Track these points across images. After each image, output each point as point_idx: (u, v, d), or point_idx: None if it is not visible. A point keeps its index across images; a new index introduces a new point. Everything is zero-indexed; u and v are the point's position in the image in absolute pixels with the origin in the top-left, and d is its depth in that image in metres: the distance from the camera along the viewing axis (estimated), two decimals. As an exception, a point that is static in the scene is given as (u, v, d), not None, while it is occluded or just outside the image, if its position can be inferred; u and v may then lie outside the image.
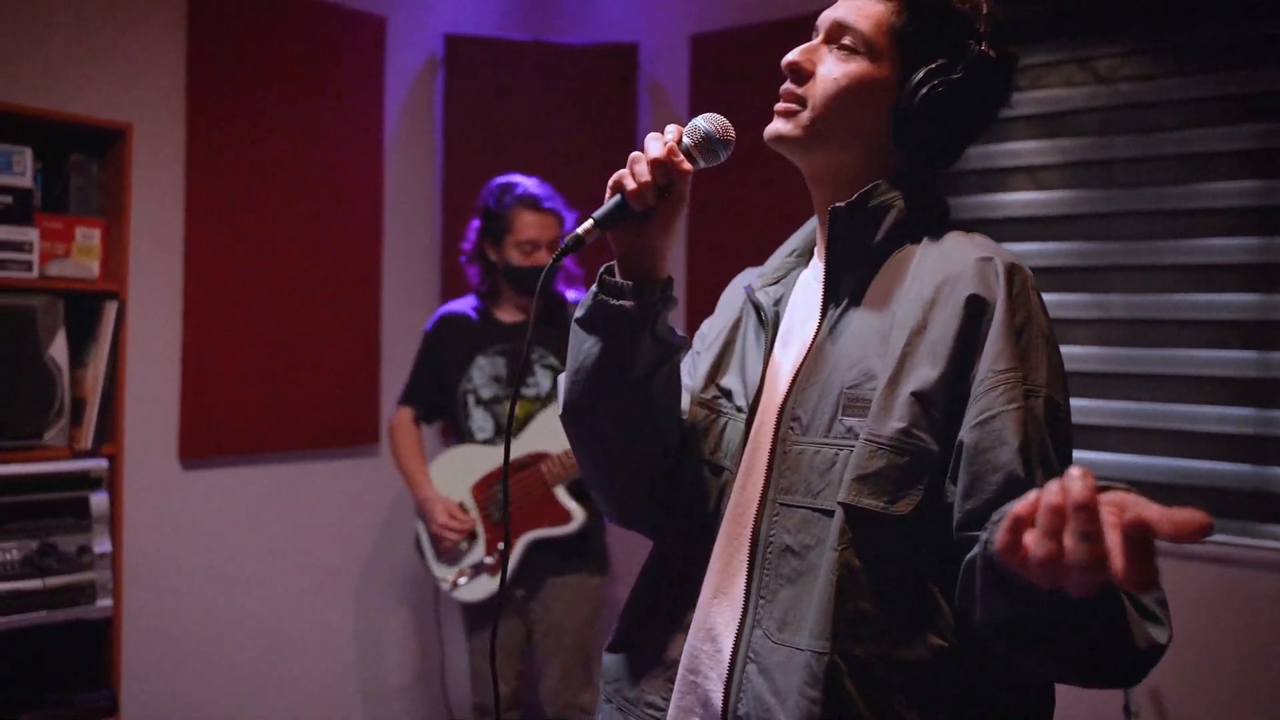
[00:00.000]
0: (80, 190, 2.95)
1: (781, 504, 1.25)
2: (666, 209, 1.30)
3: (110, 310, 2.87)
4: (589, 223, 1.28)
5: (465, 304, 3.27)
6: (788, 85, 1.32)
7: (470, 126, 4.03)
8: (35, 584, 2.66)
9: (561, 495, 3.08)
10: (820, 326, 1.31)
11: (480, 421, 3.19)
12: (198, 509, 3.44)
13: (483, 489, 3.14)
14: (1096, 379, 3.16)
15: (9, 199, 2.70)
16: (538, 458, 3.09)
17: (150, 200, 3.26)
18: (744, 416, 1.34)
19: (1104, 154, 3.17)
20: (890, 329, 1.24)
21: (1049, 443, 1.16)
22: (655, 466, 1.39)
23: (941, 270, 1.24)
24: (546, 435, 3.07)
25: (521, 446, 3.12)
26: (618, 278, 1.32)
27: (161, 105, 3.30)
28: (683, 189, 1.29)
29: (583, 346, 1.33)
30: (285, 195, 3.58)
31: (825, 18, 1.33)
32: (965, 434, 1.15)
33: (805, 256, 1.47)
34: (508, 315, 3.21)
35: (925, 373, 1.18)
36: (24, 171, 2.73)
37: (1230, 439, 2.96)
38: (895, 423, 1.17)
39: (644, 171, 1.26)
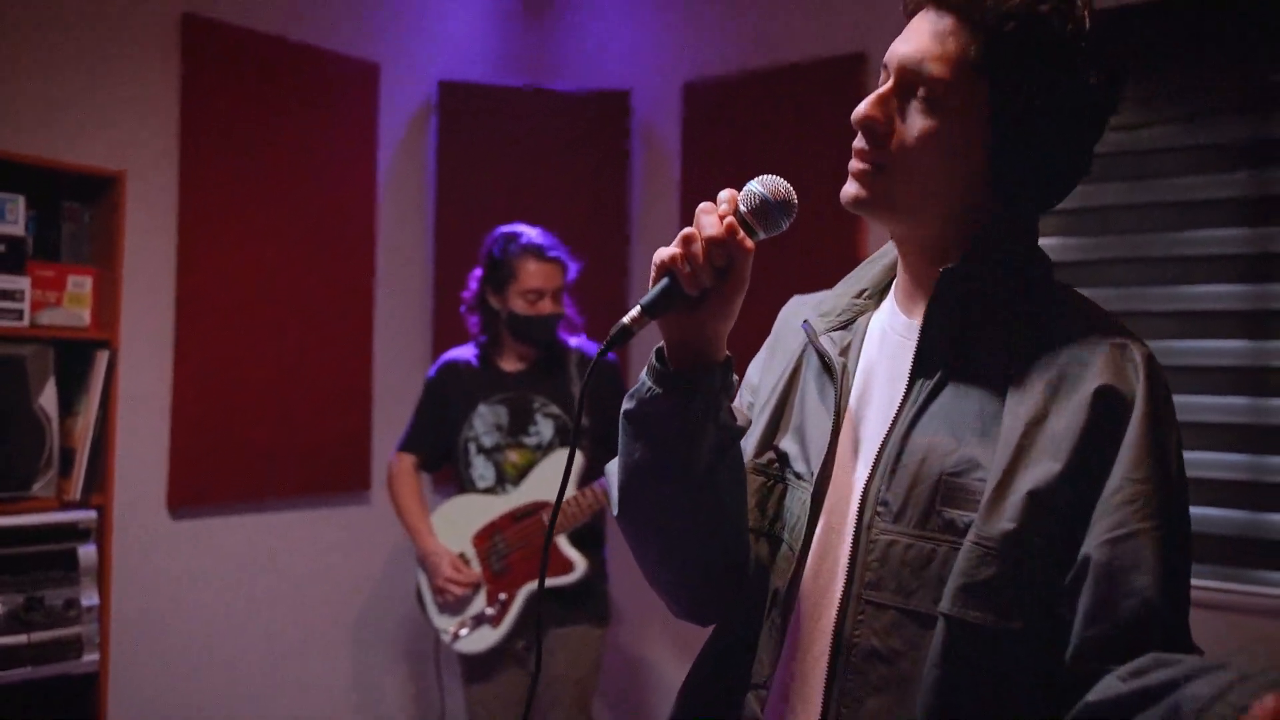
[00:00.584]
0: (72, 238, 2.93)
1: (869, 601, 1.11)
2: (726, 291, 1.11)
3: (101, 359, 2.84)
4: (636, 310, 1.11)
5: (467, 351, 3.26)
6: (861, 143, 1.15)
7: (463, 172, 4.03)
8: (20, 639, 2.61)
9: (564, 545, 3.06)
10: (909, 396, 1.16)
11: (482, 470, 3.17)
12: (188, 560, 3.39)
13: (484, 539, 3.11)
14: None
15: (1, 247, 2.68)
16: (539, 506, 3.07)
17: (142, 248, 3.25)
18: (808, 488, 1.19)
19: (1095, 201, 3.18)
20: (997, 411, 1.10)
21: (1185, 570, 1.05)
22: (729, 557, 1.23)
23: (1063, 351, 1.10)
24: (548, 484, 3.06)
25: (523, 495, 3.09)
26: (669, 364, 1.15)
27: (155, 152, 3.29)
28: (744, 269, 1.11)
29: (635, 443, 1.17)
30: (278, 242, 3.57)
31: (894, 57, 1.13)
32: (1094, 549, 1.02)
33: (876, 298, 1.29)
34: (510, 364, 3.19)
35: (1044, 469, 1.04)
36: (16, 219, 2.71)
37: (1225, 485, 2.95)
38: (1007, 524, 1.03)
39: (699, 253, 1.08)
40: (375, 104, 3.83)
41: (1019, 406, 1.08)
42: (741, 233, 1.10)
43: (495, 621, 3.05)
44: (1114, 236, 3.16)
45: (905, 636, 1.08)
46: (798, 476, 1.22)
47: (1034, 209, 1.17)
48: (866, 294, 1.30)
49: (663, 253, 1.11)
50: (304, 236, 3.64)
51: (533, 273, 3.09)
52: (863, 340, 1.25)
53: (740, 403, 1.33)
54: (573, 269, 3.18)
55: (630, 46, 4.18)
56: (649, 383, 1.15)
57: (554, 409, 3.15)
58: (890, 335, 1.23)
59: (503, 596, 3.05)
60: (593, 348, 3.25)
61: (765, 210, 1.11)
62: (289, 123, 3.60)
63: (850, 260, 1.45)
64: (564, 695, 3.10)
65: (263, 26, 3.51)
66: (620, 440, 1.20)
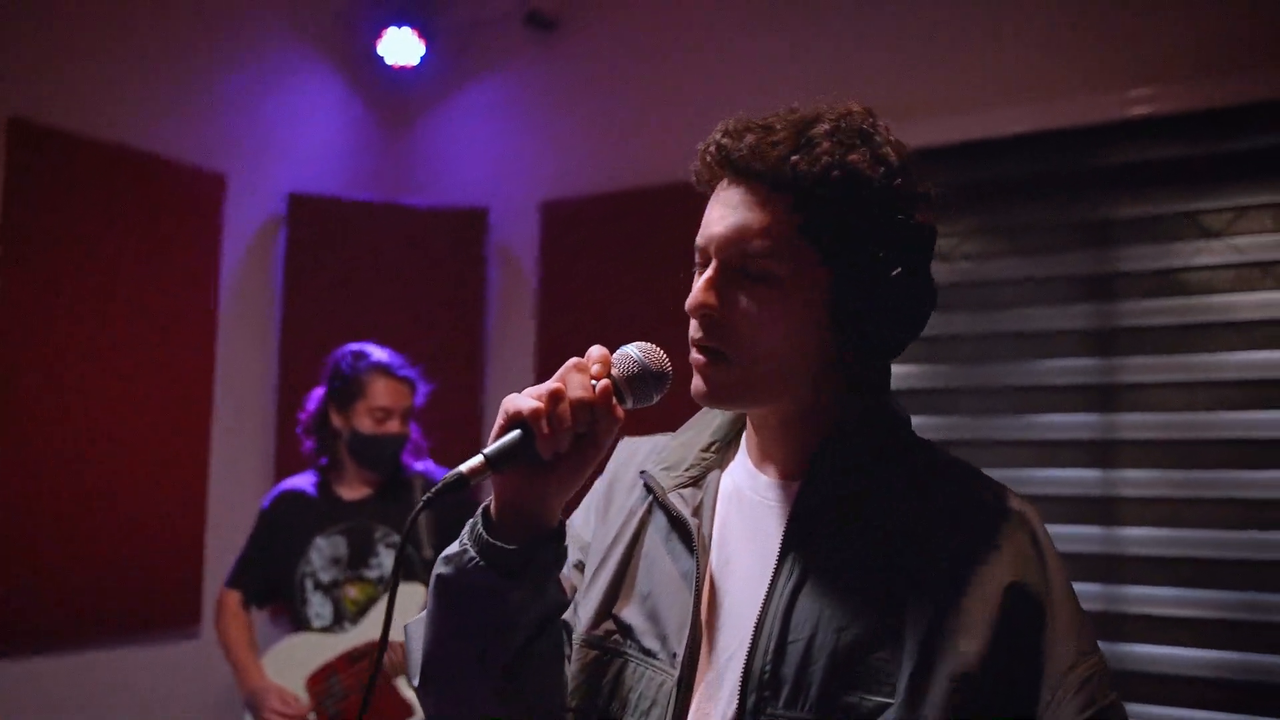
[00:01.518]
0: None
1: None
2: (581, 459, 1.03)
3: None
4: (478, 460, 1.00)
5: (304, 480, 3.08)
6: (699, 335, 1.07)
7: (312, 288, 3.89)
8: None
9: (403, 687, 2.86)
10: (784, 566, 1.06)
11: (318, 607, 2.97)
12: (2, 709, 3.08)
13: (319, 681, 2.90)
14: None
15: None
16: (376, 646, 2.88)
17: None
18: (667, 669, 1.08)
19: (945, 331, 3.22)
20: (889, 584, 1.03)
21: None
22: None
23: (960, 517, 1.06)
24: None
25: (362, 634, 2.90)
26: (496, 529, 1.04)
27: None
28: (605, 439, 1.04)
29: (447, 614, 1.06)
30: (107, 359, 3.36)
31: (711, 240, 1.06)
32: None
33: (724, 451, 1.20)
34: (350, 491, 3.02)
35: (963, 650, 0.99)
36: None
37: (1078, 616, 2.95)
38: (935, 711, 0.97)
39: (565, 414, 0.99)
40: (220, 216, 3.68)
41: (922, 583, 1.02)
42: (614, 400, 1.03)
43: (328, 769, 2.83)
44: (961, 365, 3.19)
45: None
46: (646, 653, 1.10)
47: (888, 355, 1.11)
48: (715, 446, 1.20)
49: (518, 402, 1.00)
50: (136, 353, 3.44)
51: (382, 390, 2.96)
52: (715, 499, 1.15)
53: (569, 560, 1.20)
54: (422, 390, 3.06)
55: (488, 165, 4.14)
56: (472, 551, 1.03)
57: (397, 539, 2.99)
58: (748, 495, 1.14)
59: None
60: (430, 468, 3.12)
61: (642, 379, 1.04)
62: (124, 234, 3.42)
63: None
64: None
65: (98, 133, 3.34)
66: (430, 602, 1.07)
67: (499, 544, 1.02)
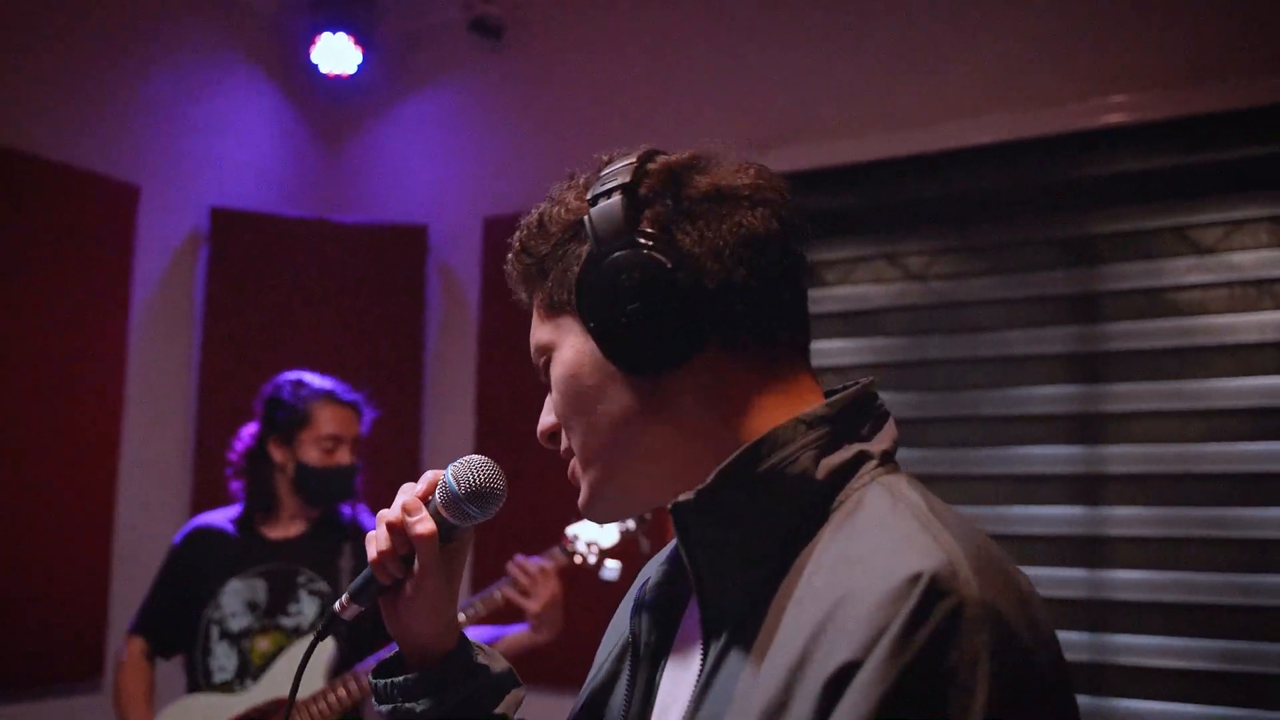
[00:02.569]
0: None
1: None
2: (416, 580, 1.02)
3: None
4: (345, 597, 1.05)
5: (222, 516, 2.81)
6: (552, 445, 1.05)
7: (236, 309, 3.64)
8: None
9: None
10: (704, 666, 0.91)
11: (222, 659, 2.68)
12: None
13: (213, 749, 2.60)
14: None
15: None
16: (279, 705, 2.58)
17: None
18: None
19: (918, 355, 3.05)
20: (790, 677, 0.80)
21: None
22: None
23: (831, 590, 0.79)
24: (291, 678, 2.56)
25: (264, 691, 2.61)
26: (404, 664, 1.07)
27: None
28: (427, 560, 1.01)
29: None
30: (6, 382, 3.10)
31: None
32: None
33: None
34: (277, 530, 2.75)
35: None
36: None
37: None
38: None
39: (383, 536, 1.01)
40: (132, 229, 3.42)
41: (765, 686, 0.79)
42: (417, 517, 1.01)
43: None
44: (935, 394, 3.03)
45: None
46: None
47: (655, 363, 0.92)
48: None
49: (370, 534, 1.04)
50: (37, 378, 3.17)
51: (329, 418, 2.74)
52: (689, 598, 1.01)
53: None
54: (368, 417, 2.83)
55: (428, 179, 3.95)
56: (375, 688, 1.07)
57: (321, 585, 2.71)
58: None
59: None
60: (367, 519, 2.86)
61: (454, 503, 1.03)
62: (27, 248, 3.16)
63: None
64: None
65: (4, 140, 3.10)
66: None
67: (389, 681, 1.05)
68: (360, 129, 4.10)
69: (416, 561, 1.01)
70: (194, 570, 2.75)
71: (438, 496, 1.02)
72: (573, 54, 3.71)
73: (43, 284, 3.20)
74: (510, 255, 1.03)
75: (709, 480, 0.87)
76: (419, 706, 1.03)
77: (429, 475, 1.04)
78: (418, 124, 4.00)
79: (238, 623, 2.68)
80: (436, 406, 3.79)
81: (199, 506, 3.45)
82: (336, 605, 1.05)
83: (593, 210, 0.94)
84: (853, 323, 3.14)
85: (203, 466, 3.50)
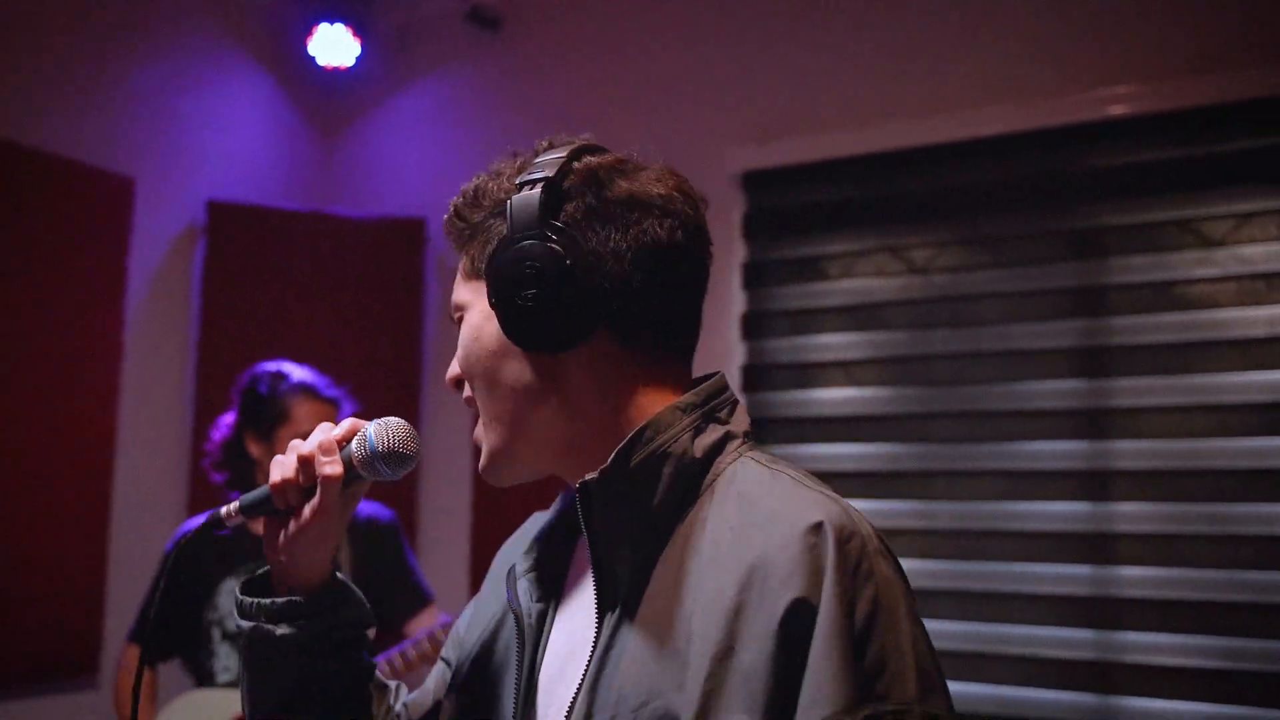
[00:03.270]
0: None
1: None
2: (309, 517, 1.08)
3: None
4: (234, 505, 1.11)
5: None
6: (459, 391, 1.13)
7: (234, 303, 3.63)
8: None
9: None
10: (598, 639, 1.00)
11: (225, 660, 2.68)
12: None
13: (223, 745, 2.59)
14: (920, 596, 2.89)
15: None
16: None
17: None
18: None
19: (921, 349, 3.03)
20: (687, 642, 0.93)
21: None
22: None
23: (745, 546, 0.94)
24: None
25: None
26: (271, 586, 1.14)
27: None
28: (324, 499, 1.07)
29: (244, 664, 1.15)
30: (1, 378, 3.09)
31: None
32: None
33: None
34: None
35: (740, 712, 0.89)
36: None
37: (1066, 665, 2.76)
38: None
39: (289, 465, 1.08)
40: (128, 222, 3.41)
41: (705, 636, 0.92)
42: (327, 459, 1.07)
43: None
44: (938, 388, 3.01)
45: None
46: None
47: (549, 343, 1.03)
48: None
49: (276, 458, 1.11)
50: (31, 373, 3.16)
51: (307, 414, 2.71)
52: (569, 574, 1.12)
53: (442, 654, 1.24)
54: (348, 410, 2.79)
55: (426, 172, 3.94)
56: (238, 615, 1.14)
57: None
58: (586, 571, 1.08)
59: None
60: (371, 508, 2.84)
61: (369, 460, 1.09)
62: (22, 241, 3.15)
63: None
64: None
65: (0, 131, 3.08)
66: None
67: (259, 601, 1.12)
68: (357, 121, 4.08)
69: (316, 498, 1.07)
70: (187, 573, 2.73)
71: (354, 447, 1.08)
72: (571, 45, 3.70)
73: (38, 278, 3.19)
74: (445, 216, 1.11)
75: (610, 461, 0.97)
76: (279, 630, 1.10)
77: (349, 422, 1.10)
78: (415, 116, 3.99)
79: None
80: (435, 399, 3.78)
81: (196, 502, 3.46)
82: (223, 510, 1.11)
83: (514, 197, 1.02)
84: (855, 316, 3.12)
85: (199, 462, 3.48)
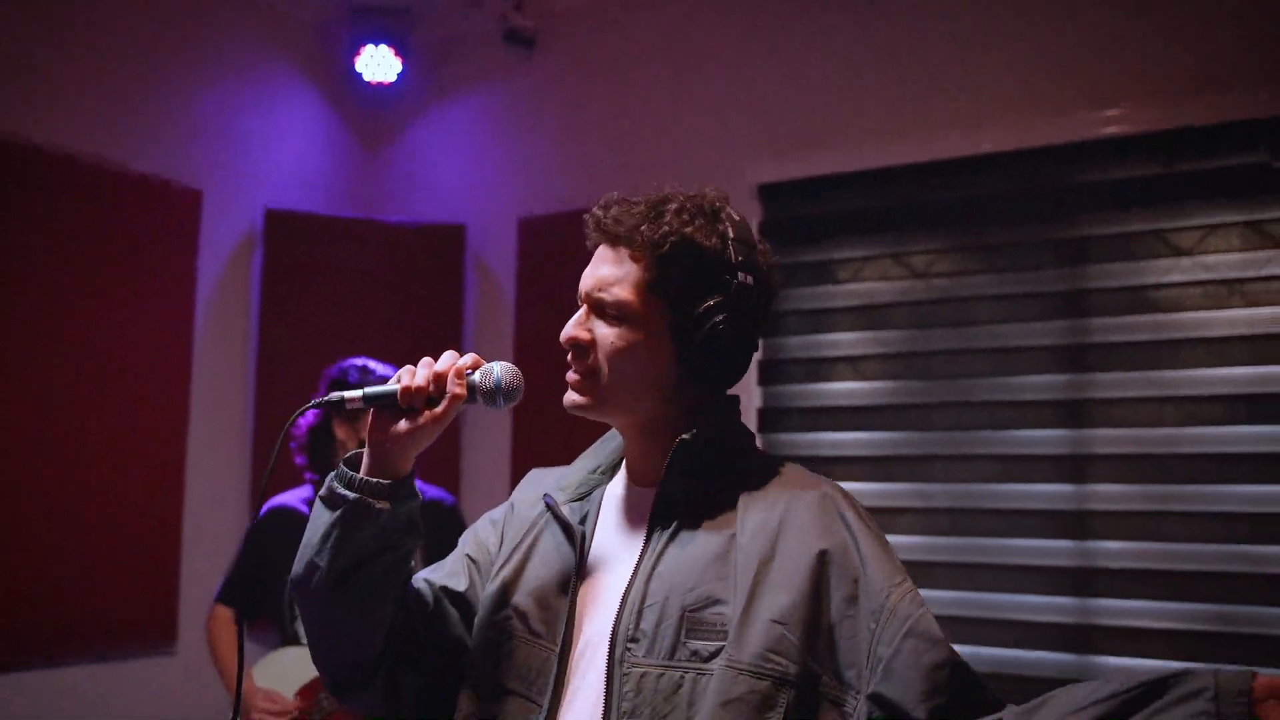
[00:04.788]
0: None
1: None
2: (426, 421, 1.31)
3: None
4: (359, 393, 1.31)
5: (294, 496, 3.07)
6: (570, 359, 1.37)
7: (289, 304, 3.89)
8: None
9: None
10: (649, 545, 1.33)
11: None
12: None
13: (308, 696, 2.87)
14: (918, 568, 3.15)
15: None
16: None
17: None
18: (549, 645, 1.34)
19: (921, 346, 3.26)
20: (732, 554, 1.28)
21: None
22: (378, 648, 1.38)
23: (781, 500, 1.33)
24: None
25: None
26: (364, 471, 1.33)
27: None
28: (448, 410, 1.31)
29: (320, 526, 1.34)
30: (80, 373, 3.35)
31: (585, 287, 1.37)
32: (898, 643, 1.21)
33: (609, 473, 1.48)
34: None
35: (780, 600, 1.24)
36: None
37: (1051, 628, 2.99)
38: (754, 648, 1.22)
39: (424, 376, 1.30)
40: (196, 232, 3.68)
41: (749, 551, 1.28)
42: (461, 381, 1.32)
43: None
44: (937, 381, 3.23)
45: None
46: (534, 634, 1.35)
47: (720, 385, 1.39)
48: (601, 470, 1.48)
49: (407, 367, 1.33)
50: (111, 368, 3.42)
51: None
52: (599, 510, 1.43)
53: (461, 551, 1.51)
54: None
55: (466, 181, 4.15)
56: (336, 482, 1.33)
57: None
58: (622, 502, 1.43)
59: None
60: (440, 495, 3.12)
61: (492, 392, 1.33)
62: (101, 250, 3.41)
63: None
64: None
65: (78, 149, 3.34)
66: (311, 519, 1.37)
67: (366, 478, 1.32)
68: (401, 133, 4.31)
69: (440, 408, 1.31)
70: (273, 546, 3.01)
71: (478, 377, 1.33)
72: (600, 64, 3.91)
73: (113, 283, 3.44)
74: (629, 210, 1.35)
75: (695, 432, 1.33)
76: (378, 504, 1.30)
77: (473, 356, 1.35)
78: (455, 128, 4.21)
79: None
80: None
81: (258, 484, 3.72)
82: (347, 394, 1.31)
83: (742, 262, 1.33)
84: (862, 317, 3.35)
85: (261, 447, 3.76)
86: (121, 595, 3.43)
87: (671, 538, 1.32)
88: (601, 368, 1.33)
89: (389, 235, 4.04)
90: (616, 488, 1.45)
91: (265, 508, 3.08)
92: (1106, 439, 2.99)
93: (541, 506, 1.46)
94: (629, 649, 1.26)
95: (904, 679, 1.19)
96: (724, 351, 1.33)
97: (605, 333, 1.33)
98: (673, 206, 1.34)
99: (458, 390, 1.31)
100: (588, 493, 1.45)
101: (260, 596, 3.02)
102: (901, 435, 3.26)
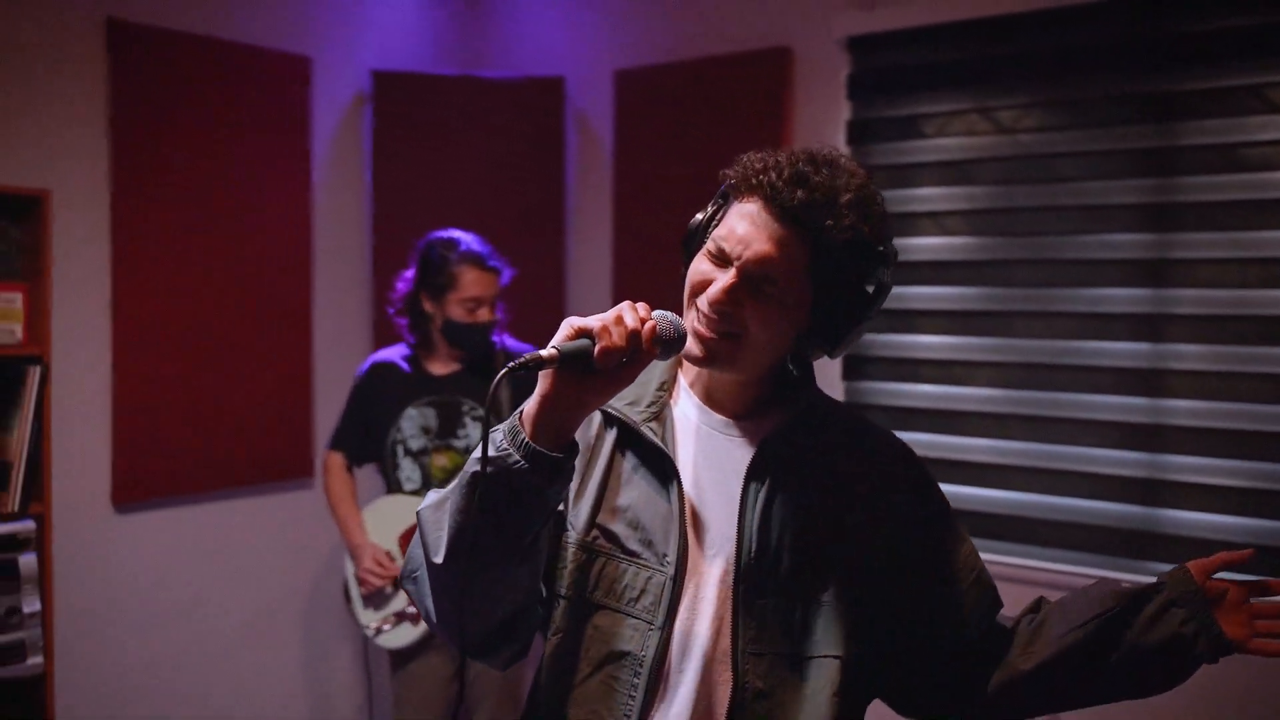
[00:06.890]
0: (2, 254, 2.98)
1: (752, 654, 1.38)
2: (616, 378, 1.26)
3: (34, 374, 2.90)
4: (554, 351, 1.22)
5: (395, 353, 3.31)
6: (714, 318, 1.35)
7: (398, 161, 4.07)
8: (-37, 649, 2.72)
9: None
10: (750, 492, 1.41)
11: (409, 472, 3.24)
12: (132, 553, 3.50)
13: (409, 539, 3.19)
14: (996, 419, 3.26)
15: (-72, 273, 2.74)
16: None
17: (76, 258, 3.30)
18: (658, 568, 1.39)
19: (1006, 202, 3.26)
20: (827, 505, 1.44)
21: None
22: (521, 608, 1.38)
23: (865, 461, 1.51)
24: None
25: (447, 495, 3.18)
26: (532, 437, 1.24)
27: (85, 161, 3.32)
28: (636, 369, 1.27)
29: (480, 504, 1.24)
30: (212, 240, 3.63)
31: (740, 255, 1.34)
32: (968, 587, 1.51)
33: (669, 389, 1.50)
34: (439, 367, 3.25)
35: (885, 546, 1.46)
36: (-58, 243, 2.77)
37: (1121, 481, 3.08)
38: (865, 584, 1.43)
39: (622, 337, 1.23)
40: (308, 98, 3.86)
41: (845, 503, 1.45)
42: (651, 339, 1.26)
43: (416, 619, 3.16)
44: (1020, 238, 3.25)
45: (779, 677, 1.38)
46: (630, 554, 1.41)
47: (833, 353, 1.47)
48: (665, 385, 1.50)
49: (586, 320, 1.24)
50: (239, 234, 3.70)
51: (472, 281, 3.13)
52: (675, 431, 1.47)
53: None
54: (507, 275, 3.23)
55: (563, 34, 4.19)
56: (516, 455, 1.23)
57: (482, 412, 3.21)
58: (704, 429, 1.48)
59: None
60: (521, 347, 3.31)
61: (669, 341, 1.30)
62: (220, 123, 3.63)
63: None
64: (491, 688, 3.23)
65: (188, 26, 3.52)
66: (460, 494, 1.28)
67: (544, 450, 1.24)
68: (499, -14, 4.34)
69: (625, 366, 1.25)
70: (376, 398, 3.28)
71: (661, 330, 1.28)
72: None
73: (236, 152, 3.66)
74: (813, 196, 1.33)
75: (804, 400, 1.48)
76: (550, 490, 1.26)
77: (643, 306, 1.28)
78: (551, -21, 4.21)
79: (416, 443, 3.23)
80: (578, 247, 4.17)
81: (378, 329, 3.98)
82: (544, 353, 1.20)
83: (890, 257, 1.41)
84: (947, 172, 3.35)
85: (379, 298, 4.01)
86: (265, 437, 3.81)
87: (774, 487, 1.42)
88: (745, 337, 1.36)
89: (490, 91, 4.13)
90: (687, 409, 1.49)
91: (367, 363, 3.34)
92: (1186, 299, 2.99)
93: (600, 424, 1.48)
94: (751, 585, 1.38)
95: (974, 610, 1.53)
96: (853, 333, 1.42)
97: (753, 304, 1.34)
98: (848, 199, 1.33)
99: (654, 350, 1.28)
100: (660, 411, 1.46)
101: (365, 444, 3.32)
102: (983, 290, 3.31)
